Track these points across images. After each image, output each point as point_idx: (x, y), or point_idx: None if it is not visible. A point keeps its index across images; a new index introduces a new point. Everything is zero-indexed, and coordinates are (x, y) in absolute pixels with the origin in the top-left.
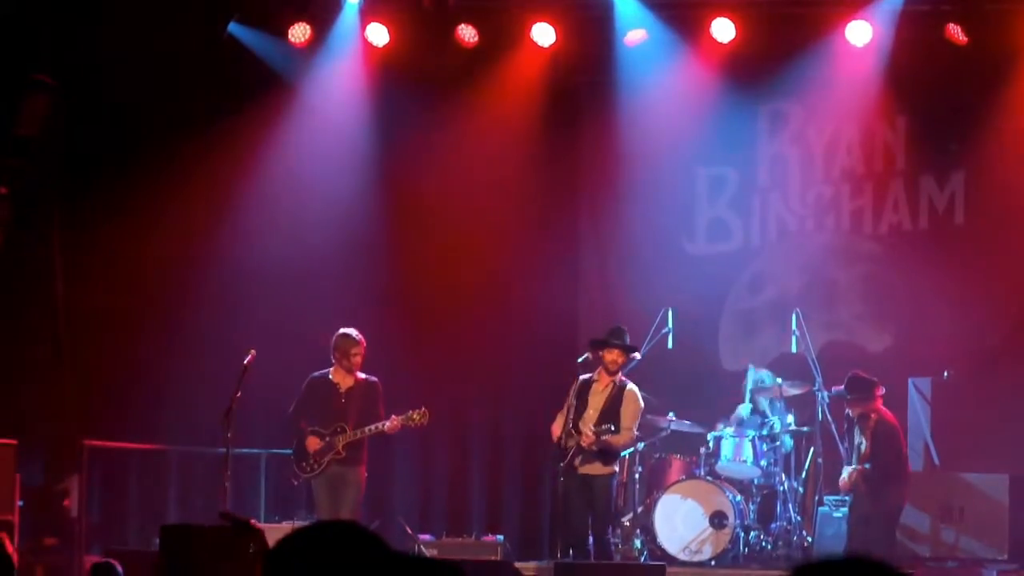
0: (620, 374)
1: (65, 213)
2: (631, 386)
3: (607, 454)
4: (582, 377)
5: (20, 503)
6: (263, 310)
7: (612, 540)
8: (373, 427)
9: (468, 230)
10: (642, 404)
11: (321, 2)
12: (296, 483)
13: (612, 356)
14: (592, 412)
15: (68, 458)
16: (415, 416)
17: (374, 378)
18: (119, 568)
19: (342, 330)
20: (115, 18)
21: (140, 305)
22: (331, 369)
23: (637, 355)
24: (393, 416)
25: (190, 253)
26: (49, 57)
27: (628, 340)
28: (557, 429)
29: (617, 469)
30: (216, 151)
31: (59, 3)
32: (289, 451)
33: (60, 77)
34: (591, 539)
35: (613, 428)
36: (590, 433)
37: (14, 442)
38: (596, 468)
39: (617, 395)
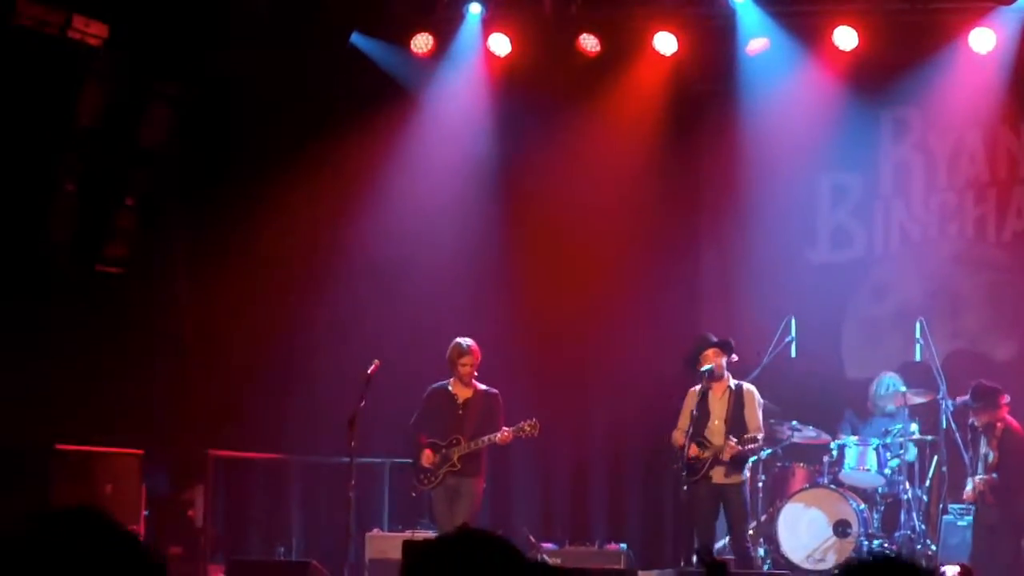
0: (730, 377)
1: (189, 225)
2: (747, 386)
3: (739, 461)
4: (694, 389)
5: (146, 513)
6: (386, 319)
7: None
8: (486, 439)
9: (588, 239)
10: (760, 399)
11: (443, 13)
12: (415, 495)
13: (708, 362)
14: (717, 421)
15: (193, 468)
16: (526, 427)
17: (494, 390)
18: None
19: (455, 340)
20: (240, 28)
21: (263, 315)
22: (451, 380)
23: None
24: (504, 428)
25: (313, 263)
26: (174, 67)
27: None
28: (680, 438)
29: (748, 475)
30: (337, 160)
31: (184, 13)
32: (411, 460)
33: (184, 87)
34: (716, 547)
35: (758, 437)
36: (733, 445)
37: (140, 452)
38: (729, 477)
39: (738, 399)
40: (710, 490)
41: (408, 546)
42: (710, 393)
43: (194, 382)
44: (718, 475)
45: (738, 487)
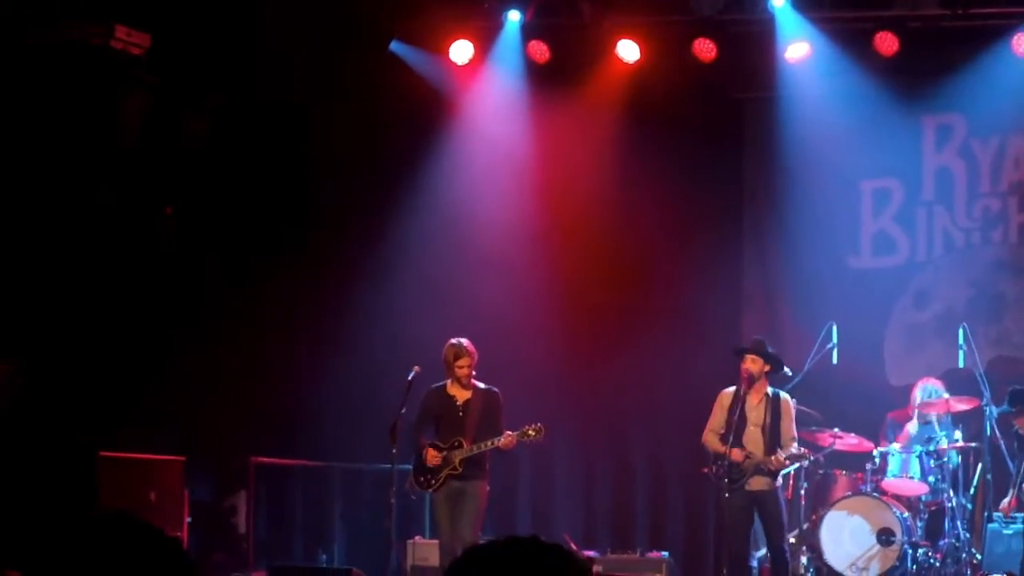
0: (768, 384)
1: (228, 232)
2: (784, 395)
3: (776, 471)
4: (728, 390)
5: (188, 519)
6: (427, 323)
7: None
8: (489, 443)
9: (629, 247)
10: (795, 410)
11: (483, 20)
12: (413, 497)
13: (745, 364)
14: (753, 428)
15: (236, 475)
16: (531, 432)
17: (495, 389)
18: None
19: (450, 341)
20: (282, 36)
21: (304, 321)
22: (448, 381)
23: (787, 371)
24: (507, 432)
25: (352, 268)
26: (214, 76)
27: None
28: (715, 442)
29: (781, 481)
30: (376, 166)
31: (225, 23)
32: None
33: (225, 94)
34: (754, 557)
35: (805, 453)
36: (782, 459)
37: (183, 459)
38: (765, 483)
39: (775, 407)
40: (745, 497)
41: (472, 550)
42: (748, 398)
43: (236, 389)
44: (755, 483)
45: (773, 492)
